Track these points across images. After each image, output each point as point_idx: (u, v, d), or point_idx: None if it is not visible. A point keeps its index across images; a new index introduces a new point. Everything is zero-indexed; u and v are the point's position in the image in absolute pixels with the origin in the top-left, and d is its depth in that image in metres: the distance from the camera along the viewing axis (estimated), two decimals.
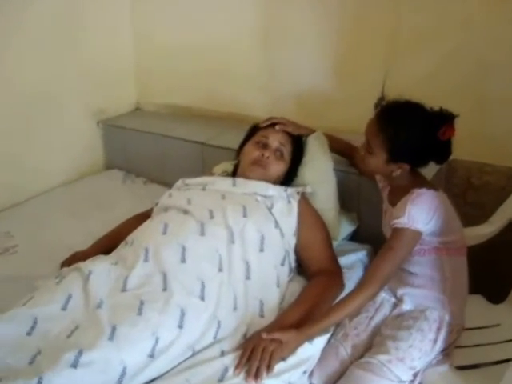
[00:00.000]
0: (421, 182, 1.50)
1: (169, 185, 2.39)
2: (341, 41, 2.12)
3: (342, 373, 1.46)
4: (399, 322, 1.51)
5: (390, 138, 1.41)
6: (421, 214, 1.41)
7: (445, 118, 1.40)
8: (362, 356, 1.49)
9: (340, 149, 1.93)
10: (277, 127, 1.85)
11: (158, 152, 2.50)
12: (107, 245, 1.73)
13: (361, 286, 1.42)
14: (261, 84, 2.41)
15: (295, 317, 1.44)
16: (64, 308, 1.33)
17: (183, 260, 1.45)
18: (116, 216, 2.08)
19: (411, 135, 1.41)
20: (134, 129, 2.60)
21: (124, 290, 1.38)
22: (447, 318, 1.50)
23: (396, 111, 1.45)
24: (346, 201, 1.93)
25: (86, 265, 1.48)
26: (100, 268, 1.45)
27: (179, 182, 1.85)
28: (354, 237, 1.95)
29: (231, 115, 2.54)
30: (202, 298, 1.39)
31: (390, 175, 1.51)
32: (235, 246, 1.52)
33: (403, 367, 1.39)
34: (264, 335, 1.31)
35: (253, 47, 2.39)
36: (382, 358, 1.39)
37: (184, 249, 1.47)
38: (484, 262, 1.73)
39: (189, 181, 1.83)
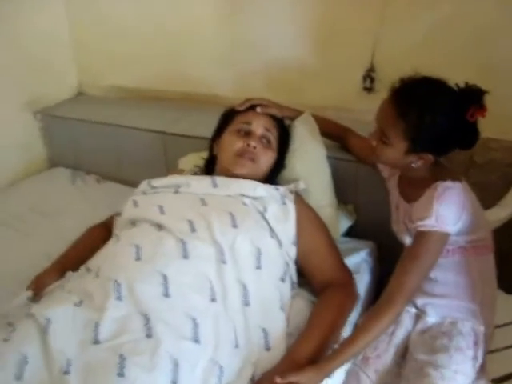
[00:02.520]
0: (443, 172, 1.27)
1: (127, 182, 2.12)
2: (320, 4, 1.82)
3: None
4: (431, 341, 1.28)
5: (414, 125, 1.16)
6: (450, 212, 1.20)
7: (474, 96, 1.16)
8: (385, 381, 1.28)
9: (331, 132, 1.67)
10: (258, 109, 1.55)
11: (111, 144, 2.16)
12: (66, 267, 1.40)
13: (384, 304, 1.19)
14: (223, 57, 2.10)
15: (310, 348, 1.18)
16: (18, 377, 1.01)
17: (166, 294, 1.16)
18: (68, 226, 1.79)
19: (438, 120, 1.16)
20: (79, 118, 2.24)
21: (96, 341, 1.08)
22: (482, 329, 1.30)
23: (417, 91, 1.18)
24: (342, 192, 1.67)
25: (41, 310, 1.14)
26: (60, 313, 1.12)
27: (144, 185, 1.52)
28: (352, 231, 1.71)
29: (190, 96, 2.22)
30: (197, 341, 1.11)
31: (407, 167, 1.27)
32: (227, 266, 1.24)
33: None
34: (278, 380, 1.05)
35: (212, 15, 2.06)
36: None
37: (165, 279, 1.17)
38: (496, 250, 1.54)
39: (156, 182, 1.51)
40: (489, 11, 1.59)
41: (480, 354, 1.27)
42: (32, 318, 1.13)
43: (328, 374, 1.14)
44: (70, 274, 1.35)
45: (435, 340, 1.28)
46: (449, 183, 1.22)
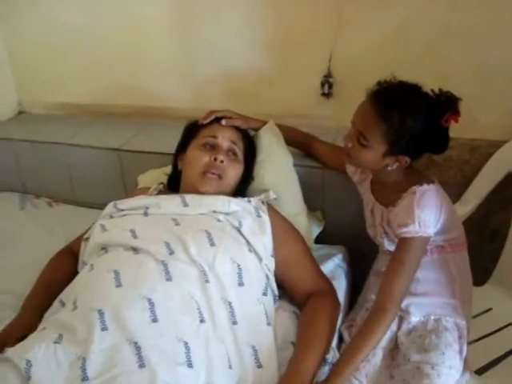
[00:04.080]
0: (416, 175, 1.31)
1: (81, 203, 2.03)
2: (275, 9, 1.82)
3: None
4: (420, 341, 1.30)
5: (395, 127, 1.18)
6: (430, 216, 1.23)
7: (450, 102, 1.19)
8: (379, 382, 1.28)
9: (296, 140, 1.67)
10: (223, 122, 1.53)
11: (61, 164, 2.05)
12: (41, 304, 1.31)
13: (378, 312, 1.21)
14: (178, 68, 2.05)
15: (313, 361, 1.18)
16: None
17: (154, 319, 1.10)
18: (22, 256, 1.68)
19: (417, 123, 1.18)
20: (23, 139, 2.11)
21: (85, 378, 1.00)
22: (464, 322, 1.33)
23: (397, 94, 1.21)
24: (309, 199, 1.67)
25: (19, 352, 1.04)
26: (41, 353, 1.03)
27: (110, 207, 1.45)
28: (321, 238, 1.71)
29: (144, 110, 2.15)
30: (190, 365, 1.07)
31: (382, 170, 1.29)
32: (211, 285, 1.20)
33: None
34: None
35: (164, 25, 2.00)
36: None
37: (152, 303, 1.12)
38: None
39: (122, 204, 1.45)
40: (442, 12, 1.64)
41: (464, 348, 1.30)
42: (8, 363, 1.02)
43: None
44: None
45: (424, 339, 1.30)
46: (425, 187, 1.25)
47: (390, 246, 1.39)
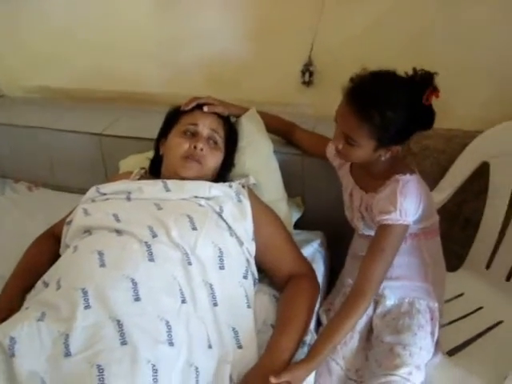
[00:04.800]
0: (399, 164, 1.32)
1: (62, 188, 2.02)
2: None
3: None
4: (394, 323, 1.34)
5: (378, 124, 1.17)
6: (411, 205, 1.25)
7: (426, 80, 1.19)
8: (355, 366, 1.32)
9: (277, 127, 1.69)
10: (205, 109, 1.54)
11: (40, 148, 2.04)
12: (23, 286, 1.32)
13: (356, 296, 1.23)
14: (158, 54, 2.04)
15: (290, 343, 1.21)
16: None
17: (137, 298, 1.12)
18: (3, 241, 1.68)
19: (399, 113, 1.18)
20: (3, 123, 2.10)
21: (68, 353, 1.02)
22: (436, 305, 1.37)
23: (372, 90, 1.19)
24: (289, 185, 1.69)
25: (2, 330, 1.05)
26: (25, 331, 1.04)
27: (92, 191, 1.46)
28: (300, 223, 1.74)
29: (125, 95, 2.14)
30: (171, 343, 1.09)
31: (376, 161, 1.30)
32: (193, 267, 1.23)
33: (420, 373, 1.24)
34: (273, 380, 1.07)
35: (144, 9, 1.99)
36: (403, 372, 1.21)
37: (135, 283, 1.14)
38: None
39: (105, 188, 1.46)
40: (423, 6, 1.66)
41: (436, 329, 1.34)
42: None
43: (315, 369, 1.19)
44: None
45: (398, 321, 1.34)
46: (408, 176, 1.27)
47: (365, 230, 1.42)
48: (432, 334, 1.33)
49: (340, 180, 1.51)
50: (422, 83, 1.19)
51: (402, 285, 1.38)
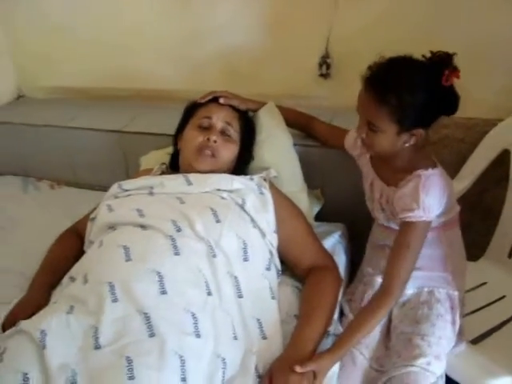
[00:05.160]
0: (422, 157, 1.30)
1: (83, 185, 2.06)
2: None
3: (365, 380, 1.29)
4: (413, 312, 1.35)
5: (396, 106, 1.17)
6: (434, 201, 1.24)
7: (444, 61, 1.18)
8: (376, 355, 1.32)
9: (296, 121, 1.69)
10: (221, 100, 1.56)
11: (62, 147, 2.08)
12: (50, 281, 1.35)
13: (384, 293, 1.24)
14: (175, 50, 2.06)
15: (314, 333, 1.22)
16: None
17: (163, 291, 1.14)
18: (27, 237, 1.72)
19: (417, 94, 1.17)
20: (23, 123, 2.14)
21: (98, 346, 1.04)
22: (456, 294, 1.38)
23: (388, 74, 1.20)
24: (309, 177, 1.70)
25: (32, 323, 1.08)
26: (54, 323, 1.07)
27: (114, 188, 1.48)
28: (320, 215, 1.75)
29: (144, 93, 2.17)
30: (198, 335, 1.10)
31: (401, 148, 1.27)
32: (218, 260, 1.24)
33: (440, 363, 1.25)
34: (298, 369, 1.09)
35: (160, 6, 2.01)
36: (421, 362, 1.23)
37: (161, 276, 1.15)
38: None
39: (127, 185, 1.47)
40: None
41: (457, 318, 1.34)
42: (24, 334, 1.06)
43: (339, 359, 1.20)
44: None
45: (416, 311, 1.35)
46: (430, 171, 1.25)
47: (385, 221, 1.42)
48: (453, 322, 1.33)
49: (360, 169, 1.50)
50: (441, 64, 1.17)
51: (421, 275, 1.37)
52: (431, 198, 1.23)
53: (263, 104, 1.66)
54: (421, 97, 1.17)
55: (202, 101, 1.58)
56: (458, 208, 1.39)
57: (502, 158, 1.68)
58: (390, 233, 1.39)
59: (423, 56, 1.20)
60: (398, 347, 1.30)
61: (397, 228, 1.34)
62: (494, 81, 1.72)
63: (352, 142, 1.50)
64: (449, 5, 1.66)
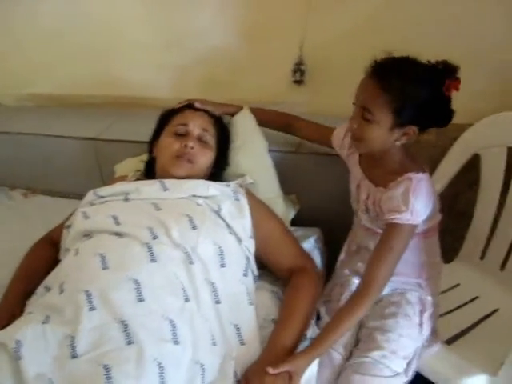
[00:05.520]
0: (412, 161, 1.29)
1: (58, 194, 2.04)
2: None
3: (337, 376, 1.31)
4: (381, 310, 1.38)
5: (397, 95, 1.16)
6: (422, 205, 1.24)
7: (449, 70, 1.18)
8: (351, 352, 1.35)
9: (277, 120, 1.69)
10: (196, 104, 1.58)
11: (37, 155, 2.05)
12: (24, 291, 1.33)
13: (362, 294, 1.24)
14: (153, 58, 2.06)
15: (291, 336, 1.23)
16: None
17: (141, 299, 1.14)
18: (3, 248, 1.67)
19: (421, 89, 1.17)
20: None
21: (74, 355, 1.04)
22: (429, 298, 1.40)
23: (396, 65, 1.20)
24: (284, 183, 1.71)
25: (7, 334, 1.07)
26: (30, 334, 1.05)
27: (90, 195, 1.47)
28: (296, 220, 1.76)
29: (121, 100, 2.15)
30: (177, 342, 1.11)
31: (390, 147, 1.26)
32: (194, 266, 1.24)
33: (397, 359, 1.27)
34: (271, 371, 1.09)
35: (138, 13, 2.01)
36: (376, 354, 1.26)
37: (138, 284, 1.15)
38: None
39: (103, 191, 1.47)
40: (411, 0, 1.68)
41: (426, 321, 1.36)
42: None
43: (314, 359, 1.20)
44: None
45: (385, 309, 1.37)
46: (420, 175, 1.25)
47: (367, 223, 1.41)
48: (420, 325, 1.35)
49: (349, 168, 1.49)
50: (444, 71, 1.18)
51: (395, 279, 1.37)
52: (420, 203, 1.23)
53: (239, 107, 1.67)
54: (423, 93, 1.17)
55: (178, 106, 1.60)
56: (439, 216, 1.38)
57: (473, 163, 1.72)
58: (372, 235, 1.40)
59: (428, 61, 1.20)
60: (360, 340, 1.33)
61: (379, 230, 1.35)
62: (466, 86, 1.75)
63: (339, 142, 1.48)
64: (422, 13, 1.69)
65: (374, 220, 1.39)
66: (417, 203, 1.22)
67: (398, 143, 1.24)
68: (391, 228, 1.25)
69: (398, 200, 1.23)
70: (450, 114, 1.22)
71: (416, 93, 1.17)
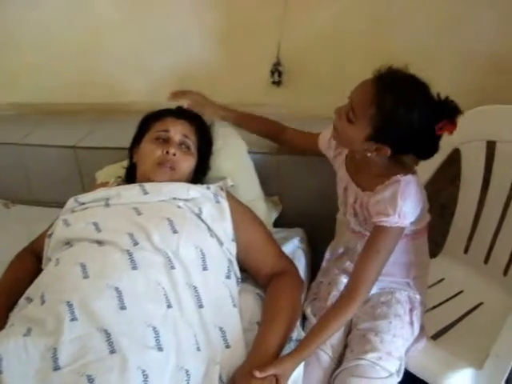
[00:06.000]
0: (399, 163, 1.26)
1: (40, 203, 2.02)
2: (222, 1, 1.85)
3: (327, 379, 1.31)
4: (371, 310, 1.38)
5: (384, 114, 1.13)
6: (410, 208, 1.22)
7: (450, 111, 1.14)
8: (340, 353, 1.35)
9: (267, 129, 1.68)
10: (185, 105, 1.61)
11: (15, 165, 2.03)
12: (6, 304, 1.30)
13: (350, 294, 1.23)
14: (131, 63, 2.06)
15: (276, 339, 1.22)
16: None
17: (123, 307, 1.12)
18: None
19: (411, 116, 1.13)
20: None
21: (57, 367, 1.02)
22: (417, 297, 1.41)
23: (400, 81, 1.16)
24: (265, 184, 1.72)
25: None
26: (11, 347, 1.04)
27: (71, 202, 1.46)
28: (279, 222, 1.76)
29: (100, 107, 2.15)
30: (160, 349, 1.10)
31: (361, 153, 1.25)
32: (176, 271, 1.23)
33: (392, 360, 1.28)
34: (258, 374, 1.09)
35: (115, 20, 2.00)
36: (371, 356, 1.26)
37: (119, 292, 1.14)
38: None
39: (83, 198, 1.46)
40: (381, 2, 1.70)
41: (416, 319, 1.37)
42: None
43: (301, 362, 1.19)
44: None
45: (376, 309, 1.37)
46: (409, 177, 1.23)
47: (356, 226, 1.40)
48: (411, 323, 1.35)
49: (335, 169, 1.48)
50: (445, 110, 1.14)
51: (383, 278, 1.36)
52: (408, 205, 1.21)
53: (233, 113, 1.68)
54: (412, 121, 1.13)
55: (172, 99, 1.62)
56: (428, 217, 1.37)
57: (453, 157, 1.73)
58: (360, 237, 1.40)
59: (437, 94, 1.16)
60: (352, 342, 1.33)
61: (367, 233, 1.34)
62: (446, 83, 1.76)
63: (326, 143, 1.47)
64: (397, 11, 1.71)
65: (362, 223, 1.38)
66: (405, 206, 1.20)
67: (368, 154, 1.22)
68: (378, 230, 1.23)
69: (386, 203, 1.22)
70: (432, 150, 1.20)
71: (403, 117, 1.13)
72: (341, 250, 1.54)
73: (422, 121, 1.13)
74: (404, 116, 1.13)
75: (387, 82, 1.15)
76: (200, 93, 1.63)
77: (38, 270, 1.40)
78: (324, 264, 1.59)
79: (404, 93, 1.14)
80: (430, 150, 1.20)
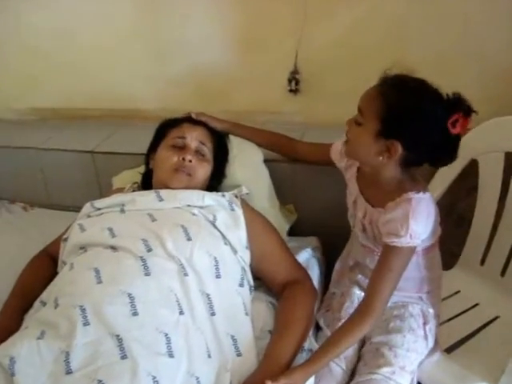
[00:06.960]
0: (411, 180, 1.24)
1: (57, 207, 2.04)
2: (241, 7, 1.84)
3: None
4: (385, 324, 1.36)
5: (391, 100, 1.12)
6: (422, 227, 1.20)
7: (461, 105, 1.11)
8: (354, 365, 1.33)
9: (279, 144, 1.68)
10: (193, 115, 1.60)
11: (35, 169, 2.06)
12: (21, 306, 1.33)
13: (363, 313, 1.21)
14: (148, 70, 2.07)
15: (289, 348, 1.22)
16: None
17: (135, 312, 1.13)
18: (2, 261, 1.67)
19: (417, 103, 1.11)
20: None
21: (69, 371, 1.03)
22: (431, 311, 1.39)
23: (404, 79, 1.15)
24: (280, 193, 1.72)
25: (2, 350, 1.07)
26: (25, 350, 1.06)
27: (87, 207, 1.48)
28: (294, 230, 1.76)
29: (117, 112, 2.16)
30: (171, 355, 1.10)
31: (375, 162, 1.21)
32: (189, 278, 1.24)
33: (406, 375, 1.26)
34: (269, 383, 1.08)
35: (130, 26, 2.02)
36: (385, 371, 1.24)
37: (132, 298, 1.15)
38: None
39: (99, 203, 1.47)
40: (401, 8, 1.69)
41: (430, 333, 1.35)
42: None
43: (313, 374, 1.18)
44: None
45: (389, 323, 1.36)
46: (421, 195, 1.20)
47: (364, 241, 1.39)
48: (425, 337, 1.34)
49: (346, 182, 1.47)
50: (457, 105, 1.11)
51: (396, 293, 1.32)
52: (420, 225, 1.19)
53: (233, 126, 1.67)
54: (419, 108, 1.11)
55: (175, 118, 1.61)
56: (439, 231, 1.34)
57: (471, 168, 1.71)
58: (369, 252, 1.39)
59: (447, 94, 1.13)
60: (366, 356, 1.31)
61: (376, 249, 1.34)
62: (462, 90, 1.75)
63: (338, 153, 1.46)
64: (414, 21, 1.70)
65: (370, 239, 1.36)
66: (416, 226, 1.18)
67: (380, 158, 1.19)
68: (390, 250, 1.21)
69: (397, 223, 1.19)
70: (449, 154, 1.16)
71: (410, 106, 1.11)
72: (351, 263, 1.52)
73: (430, 110, 1.11)
74: (411, 103, 1.11)
75: (393, 81, 1.16)
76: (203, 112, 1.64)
77: (53, 273, 1.42)
78: (334, 275, 1.58)
79: (408, 86, 1.14)
80: (445, 152, 1.16)
